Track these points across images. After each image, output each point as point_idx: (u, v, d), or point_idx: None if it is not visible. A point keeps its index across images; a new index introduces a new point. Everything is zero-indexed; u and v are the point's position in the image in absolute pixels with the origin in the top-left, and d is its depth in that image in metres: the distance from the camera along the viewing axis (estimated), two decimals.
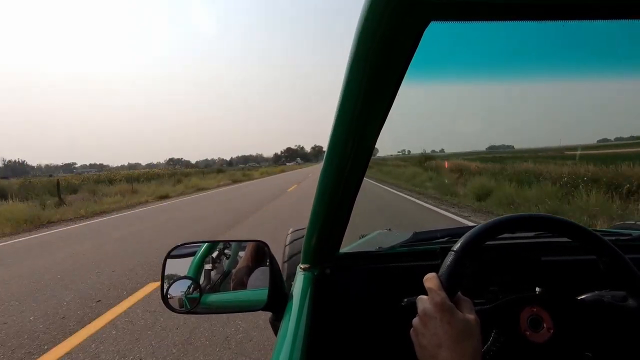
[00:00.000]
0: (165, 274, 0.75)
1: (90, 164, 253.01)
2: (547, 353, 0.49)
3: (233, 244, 0.85)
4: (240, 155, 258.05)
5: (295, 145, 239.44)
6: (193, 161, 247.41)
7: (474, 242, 0.52)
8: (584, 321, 0.50)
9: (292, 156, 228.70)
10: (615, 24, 0.28)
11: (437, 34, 0.31)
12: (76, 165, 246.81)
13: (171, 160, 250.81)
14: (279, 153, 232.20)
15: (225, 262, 0.81)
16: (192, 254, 0.79)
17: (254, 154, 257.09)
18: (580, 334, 0.50)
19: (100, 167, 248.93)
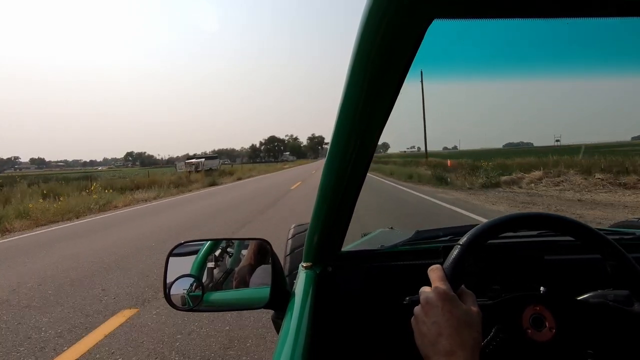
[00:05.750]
0: (168, 271, 0.75)
1: (31, 159, 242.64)
2: (549, 352, 0.49)
3: (236, 242, 0.86)
4: (217, 148, 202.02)
5: (286, 135, 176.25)
6: (158, 156, 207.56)
7: (479, 237, 0.53)
8: (587, 322, 0.50)
9: (276, 149, 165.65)
10: (621, 21, 0.28)
11: (439, 32, 0.31)
12: (20, 160, 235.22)
13: (129, 155, 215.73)
14: (258, 145, 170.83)
15: (228, 260, 0.81)
16: (195, 252, 0.80)
17: (237, 147, 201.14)
18: (582, 335, 0.49)
19: (42, 162, 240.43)
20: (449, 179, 12.01)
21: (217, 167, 33.36)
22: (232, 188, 15.85)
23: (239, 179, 24.01)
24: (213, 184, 19.10)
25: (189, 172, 25.68)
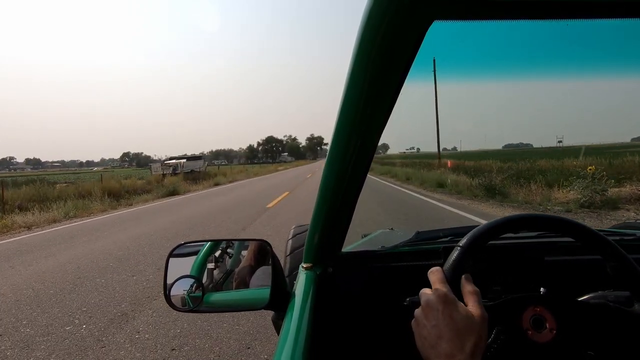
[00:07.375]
0: (168, 272, 0.75)
1: (26, 160, 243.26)
2: (549, 353, 0.49)
3: (236, 242, 0.86)
4: (216, 149, 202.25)
5: (285, 136, 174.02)
6: (155, 157, 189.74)
7: (479, 239, 0.53)
8: (588, 323, 0.50)
9: (274, 150, 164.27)
10: (621, 22, 0.28)
11: (440, 33, 0.31)
12: (16, 161, 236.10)
13: (126, 155, 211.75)
14: (256, 146, 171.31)
15: (228, 261, 0.81)
16: (195, 252, 0.80)
17: (236, 148, 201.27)
18: (583, 336, 0.49)
19: (38, 162, 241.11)
20: (507, 192, 7.94)
21: (201, 169, 26.98)
22: (193, 201, 11.29)
23: (217, 184, 18.90)
24: (173, 193, 14.03)
25: (163, 175, 21.71)
